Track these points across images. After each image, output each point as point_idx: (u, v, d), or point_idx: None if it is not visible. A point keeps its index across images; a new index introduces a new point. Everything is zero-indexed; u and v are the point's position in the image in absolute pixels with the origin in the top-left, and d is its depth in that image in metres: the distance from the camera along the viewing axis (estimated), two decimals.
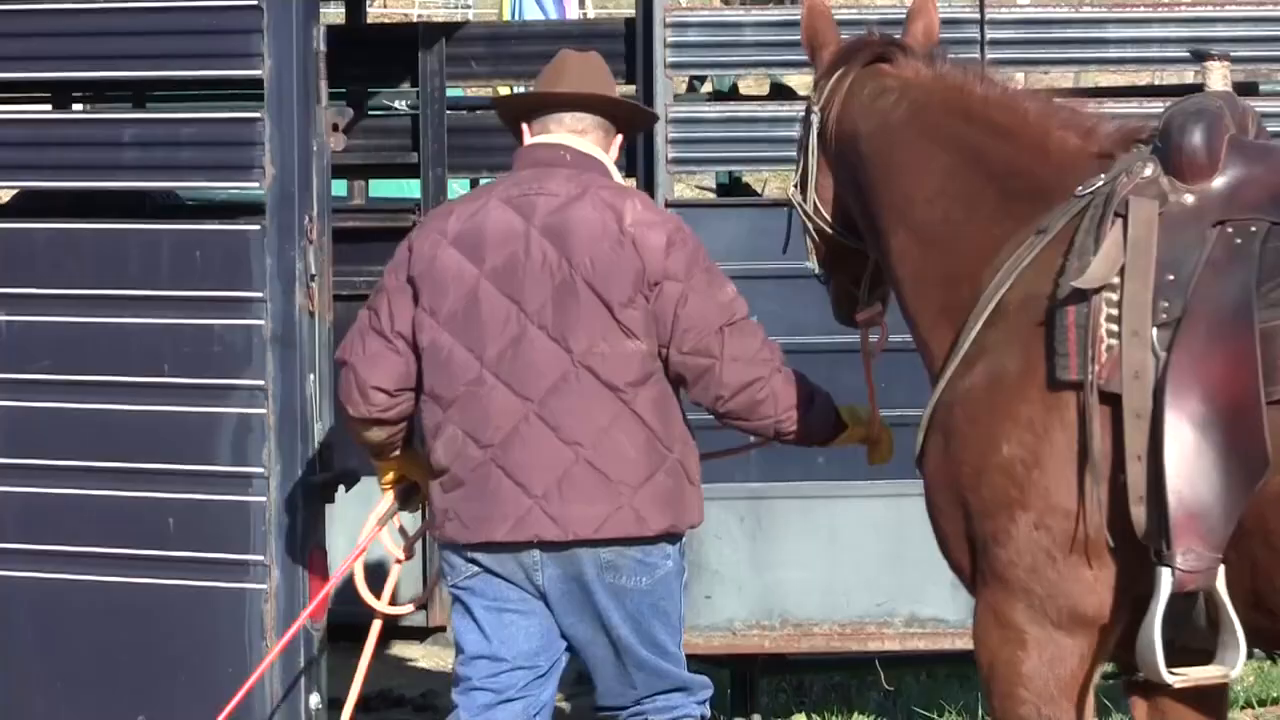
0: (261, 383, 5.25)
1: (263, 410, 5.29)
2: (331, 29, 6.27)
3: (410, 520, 5.19)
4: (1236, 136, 3.94)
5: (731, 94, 7.04)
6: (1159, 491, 3.57)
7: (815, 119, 4.35)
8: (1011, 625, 3.72)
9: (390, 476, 4.78)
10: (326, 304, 5.32)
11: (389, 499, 4.81)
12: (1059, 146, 3.96)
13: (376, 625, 5.14)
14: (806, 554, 6.24)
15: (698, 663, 6.12)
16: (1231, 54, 4.62)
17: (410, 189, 7.70)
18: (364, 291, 6.76)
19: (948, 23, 6.61)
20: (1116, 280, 3.68)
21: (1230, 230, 3.76)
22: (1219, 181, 3.84)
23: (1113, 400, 3.64)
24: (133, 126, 6.18)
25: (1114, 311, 3.66)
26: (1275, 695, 6.73)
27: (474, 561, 4.51)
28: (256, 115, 5.25)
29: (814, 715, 6.56)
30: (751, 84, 7.25)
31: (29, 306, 5.55)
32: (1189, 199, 3.84)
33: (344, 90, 6.94)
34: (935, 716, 6.27)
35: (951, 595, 5.86)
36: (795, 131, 5.85)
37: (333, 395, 5.20)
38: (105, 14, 5.62)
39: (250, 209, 5.58)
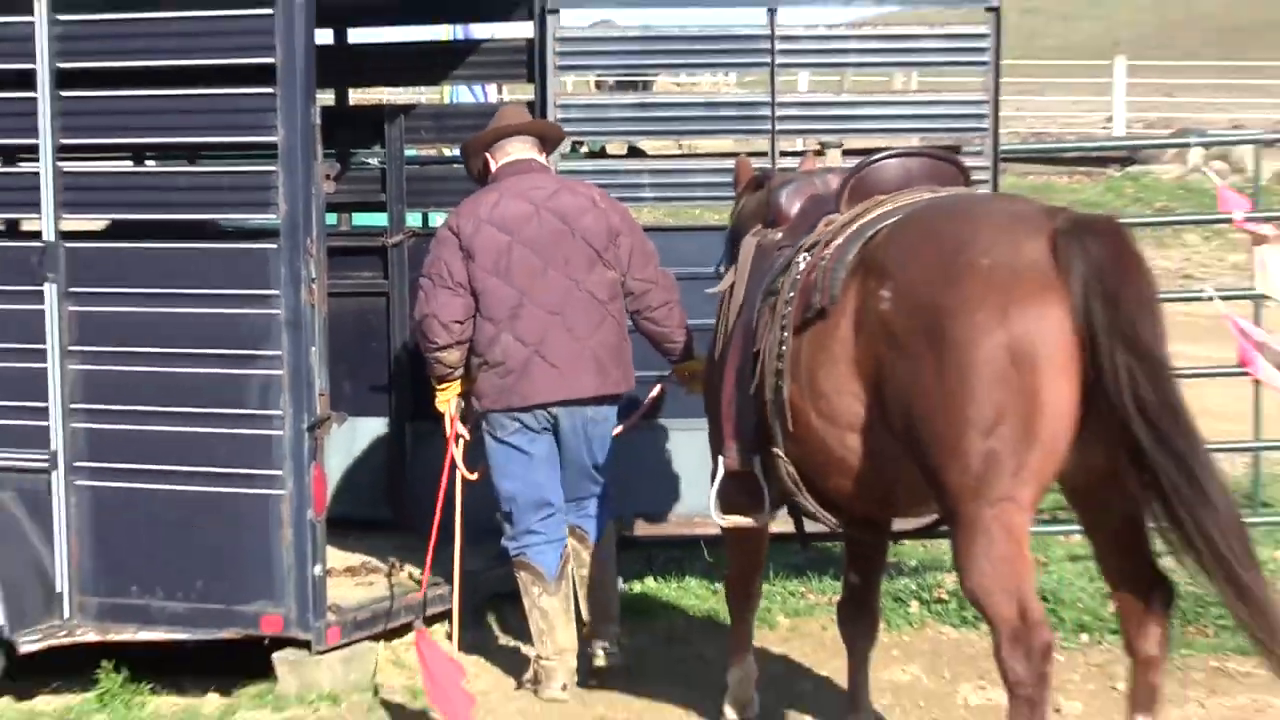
0: (279, 353, 6.23)
1: (280, 372, 6.23)
2: (324, 108, 7.17)
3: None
4: (819, 195, 5.33)
5: (600, 153, 8.25)
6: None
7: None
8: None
9: (449, 392, 6.27)
10: (321, 299, 6.26)
11: (454, 406, 6.29)
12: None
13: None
14: (657, 467, 7.41)
15: None
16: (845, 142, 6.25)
17: (380, 219, 8.42)
18: (347, 290, 7.57)
19: (744, 104, 7.88)
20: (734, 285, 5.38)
21: (777, 252, 5.19)
22: (794, 223, 5.32)
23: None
24: (188, 177, 7.20)
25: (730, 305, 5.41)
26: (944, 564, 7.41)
27: (517, 419, 6.11)
28: (273, 169, 6.19)
29: (658, 578, 7.61)
30: (614, 146, 8.53)
31: (122, 301, 6.56)
32: (776, 235, 5.34)
33: (333, 151, 7.75)
34: None
35: None
36: (644, 179, 7.52)
37: (327, 362, 6.32)
38: (164, 98, 6.56)
39: (270, 233, 6.32)
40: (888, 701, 6.03)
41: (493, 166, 6.31)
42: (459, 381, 6.23)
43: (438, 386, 6.33)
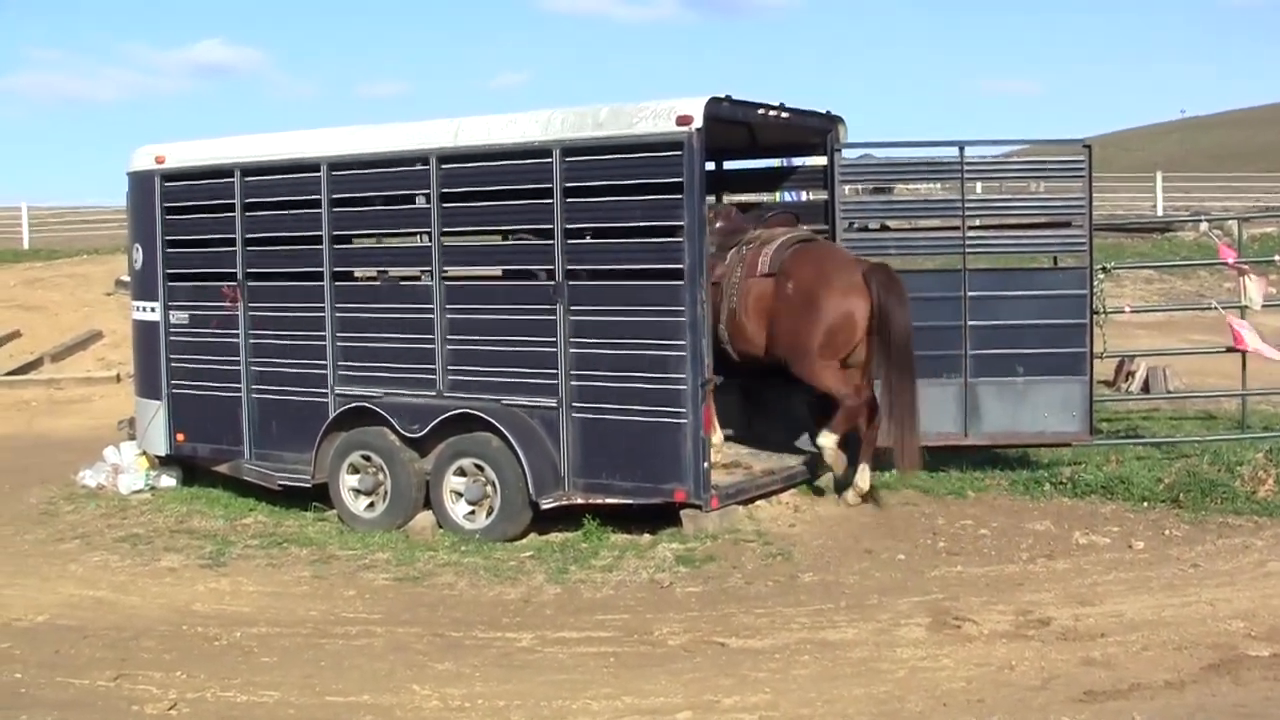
0: (684, 341, 8.51)
1: (685, 353, 8.48)
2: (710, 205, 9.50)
3: None
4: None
5: (864, 229, 10.63)
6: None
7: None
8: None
9: None
10: (706, 311, 8.60)
11: None
12: (738, 228, 10.23)
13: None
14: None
15: None
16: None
17: None
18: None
19: (946, 202, 10.13)
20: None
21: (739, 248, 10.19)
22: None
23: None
24: (636, 245, 9.01)
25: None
26: None
27: None
28: (680, 240, 8.55)
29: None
30: (872, 225, 10.87)
31: (599, 314, 8.84)
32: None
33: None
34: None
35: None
36: (889, 242, 10.17)
37: (711, 350, 8.63)
38: (625, 201, 8.77)
39: (678, 275, 8.53)
40: (1030, 542, 8.96)
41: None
42: None
43: None
